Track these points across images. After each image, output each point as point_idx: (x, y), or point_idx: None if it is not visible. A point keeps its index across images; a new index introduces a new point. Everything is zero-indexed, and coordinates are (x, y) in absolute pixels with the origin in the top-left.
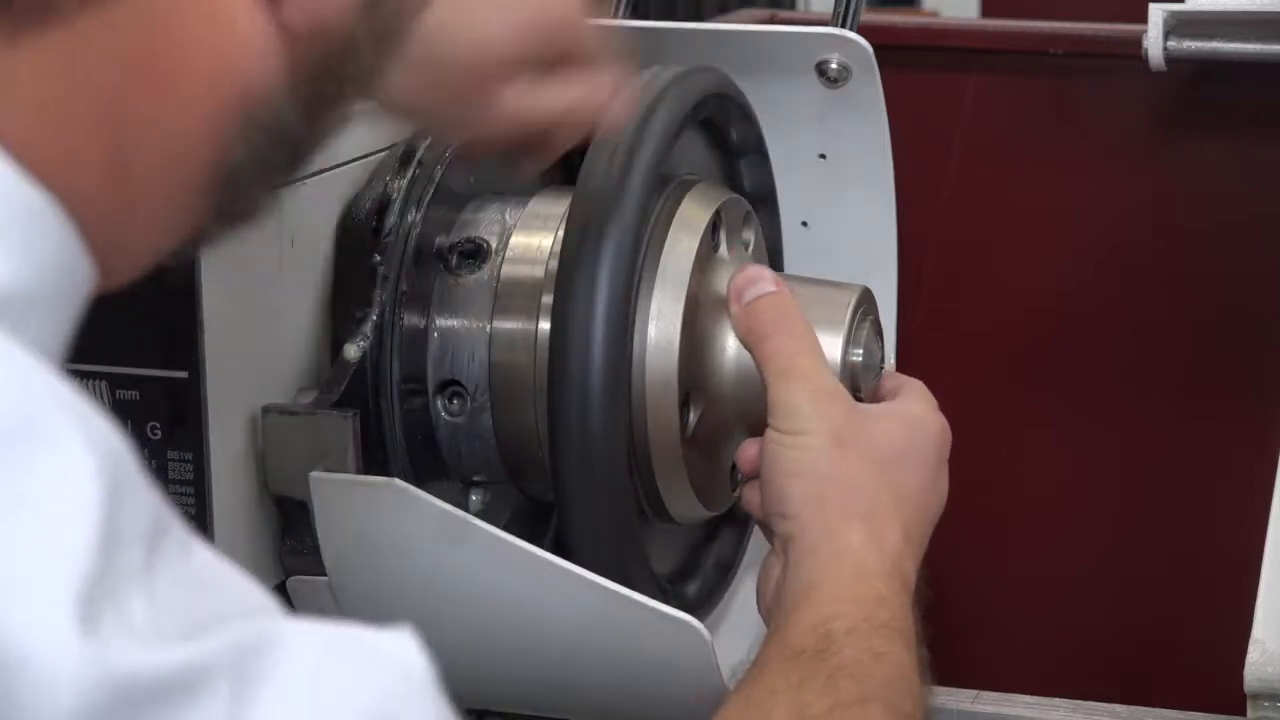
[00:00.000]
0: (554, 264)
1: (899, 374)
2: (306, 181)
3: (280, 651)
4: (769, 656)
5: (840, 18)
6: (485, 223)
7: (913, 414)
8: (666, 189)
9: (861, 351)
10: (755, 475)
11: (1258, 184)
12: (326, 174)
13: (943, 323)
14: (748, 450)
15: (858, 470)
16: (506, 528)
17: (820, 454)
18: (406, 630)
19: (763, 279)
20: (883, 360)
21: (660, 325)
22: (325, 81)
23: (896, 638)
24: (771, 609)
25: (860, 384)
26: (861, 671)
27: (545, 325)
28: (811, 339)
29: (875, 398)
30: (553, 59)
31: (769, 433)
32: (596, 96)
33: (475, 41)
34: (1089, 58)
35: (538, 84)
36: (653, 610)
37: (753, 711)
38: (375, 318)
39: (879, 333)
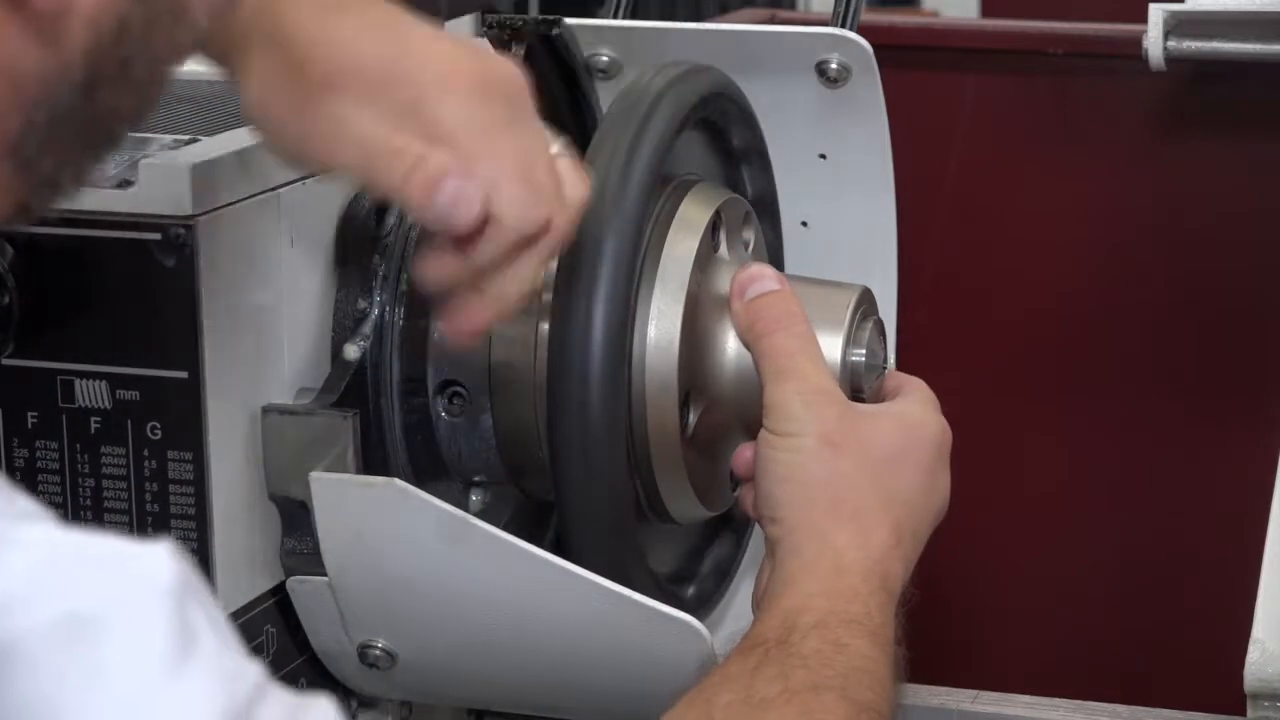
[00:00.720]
0: (553, 265)
1: (901, 374)
2: (306, 181)
3: (7, 550)
4: (734, 649)
5: (840, 18)
6: None
7: (911, 415)
8: (666, 189)
9: (864, 352)
10: (751, 478)
11: (1258, 183)
12: None
13: (943, 323)
14: (744, 454)
15: (849, 471)
16: (506, 528)
17: (811, 456)
18: (166, 543)
19: (766, 277)
20: (886, 360)
21: (660, 325)
22: (102, 64)
23: (864, 633)
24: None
25: (863, 384)
26: (820, 661)
27: (545, 325)
28: (811, 339)
29: (878, 397)
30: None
31: (762, 434)
32: (414, 155)
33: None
34: (1089, 58)
35: (362, 117)
36: (653, 610)
37: (704, 696)
38: (375, 318)
39: (882, 333)
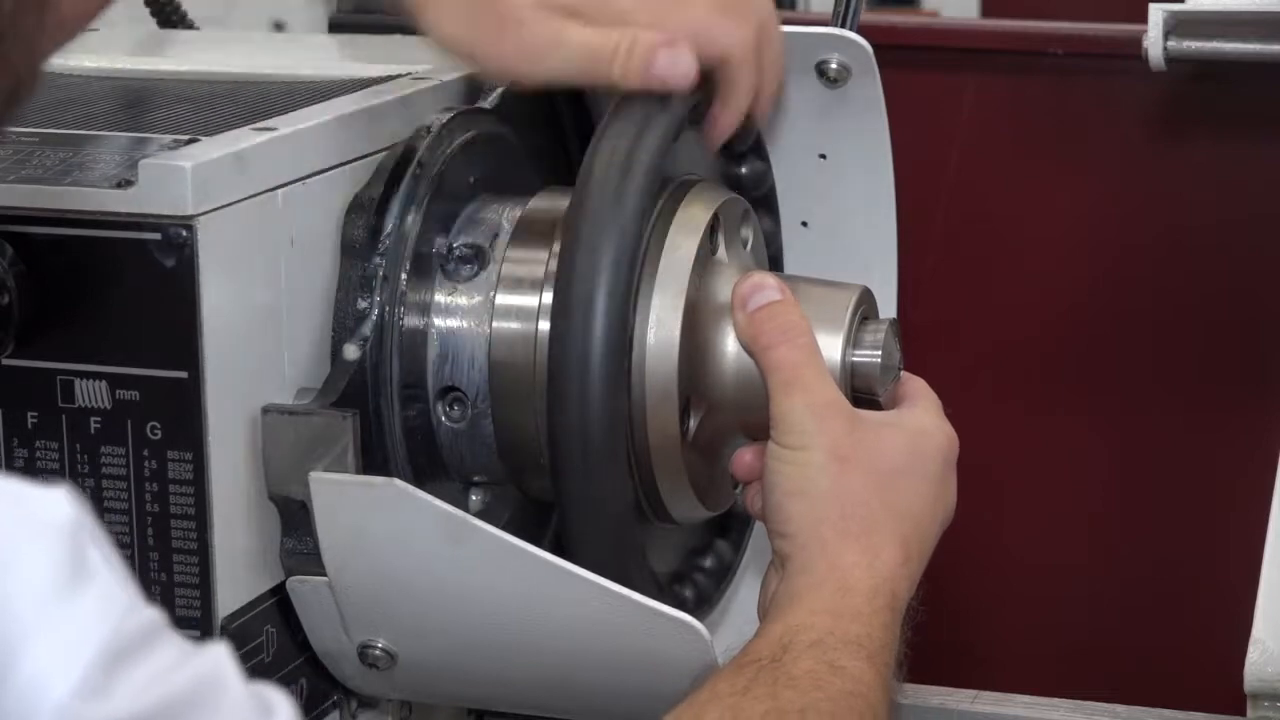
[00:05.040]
0: (553, 265)
1: (908, 375)
2: (306, 181)
3: None
4: (728, 663)
5: (840, 18)
6: (485, 223)
7: (917, 425)
8: (666, 189)
9: (879, 353)
10: (751, 481)
11: (1258, 184)
12: (327, 174)
13: (943, 322)
14: (743, 458)
15: (857, 486)
16: (506, 528)
17: (819, 470)
18: (63, 488)
19: (768, 286)
20: (901, 363)
21: (659, 330)
22: None
23: (863, 655)
24: None
25: (876, 387)
26: (811, 683)
27: (545, 326)
28: (815, 350)
29: (892, 400)
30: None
31: (771, 446)
32: (624, 45)
33: None
34: (1089, 58)
35: (567, 24)
36: (653, 610)
37: (691, 711)
38: (375, 318)
39: (898, 334)
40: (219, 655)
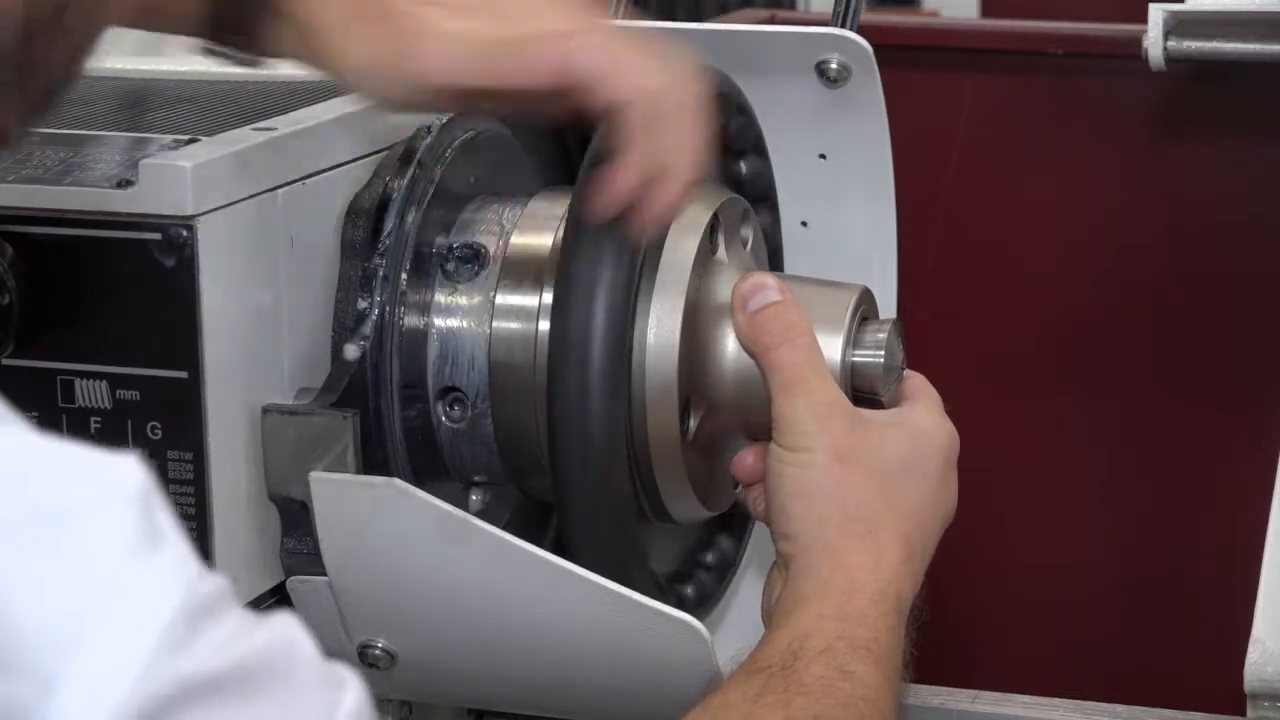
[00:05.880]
0: (553, 265)
1: (912, 374)
2: (306, 181)
3: None
4: (738, 669)
5: (840, 18)
6: (485, 224)
7: (919, 424)
8: None
9: (883, 353)
10: (752, 483)
11: (1258, 184)
12: (326, 174)
13: (943, 323)
14: (745, 459)
15: (859, 486)
16: (506, 528)
17: (822, 471)
18: (134, 454)
19: (768, 287)
20: (904, 362)
21: (659, 330)
22: (39, 5)
23: (871, 660)
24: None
25: (878, 387)
26: (822, 690)
27: (545, 326)
28: (816, 351)
29: (895, 400)
30: None
31: (773, 448)
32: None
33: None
34: (1089, 58)
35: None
36: (653, 610)
37: (706, 718)
38: (375, 318)
39: (900, 334)
40: (291, 623)
